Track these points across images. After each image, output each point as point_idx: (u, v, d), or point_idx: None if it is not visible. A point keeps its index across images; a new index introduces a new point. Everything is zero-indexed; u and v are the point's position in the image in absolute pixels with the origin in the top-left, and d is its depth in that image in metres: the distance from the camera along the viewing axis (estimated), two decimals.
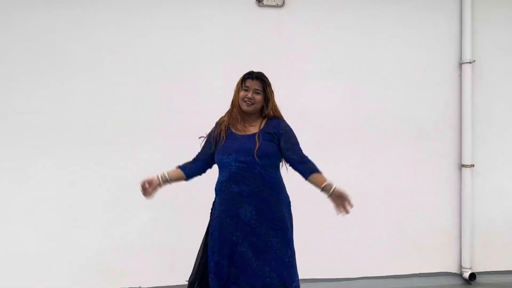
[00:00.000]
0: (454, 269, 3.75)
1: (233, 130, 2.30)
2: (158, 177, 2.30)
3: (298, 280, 2.28)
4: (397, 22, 3.64)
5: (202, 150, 2.38)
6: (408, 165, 3.67)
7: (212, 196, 2.39)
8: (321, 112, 3.57)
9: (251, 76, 2.30)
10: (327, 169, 3.27)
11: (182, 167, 2.36)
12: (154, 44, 3.40)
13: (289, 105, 3.33)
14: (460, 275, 3.74)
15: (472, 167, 3.69)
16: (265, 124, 2.29)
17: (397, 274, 3.65)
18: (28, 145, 3.29)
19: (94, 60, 3.35)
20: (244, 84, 2.30)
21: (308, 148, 3.31)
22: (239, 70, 3.27)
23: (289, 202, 2.37)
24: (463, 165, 3.70)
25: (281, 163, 2.34)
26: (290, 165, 2.31)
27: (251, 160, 2.20)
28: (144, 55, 3.38)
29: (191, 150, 2.43)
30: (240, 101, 2.29)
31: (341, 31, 3.59)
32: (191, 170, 2.36)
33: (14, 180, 3.30)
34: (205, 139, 2.38)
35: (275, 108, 2.33)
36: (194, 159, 2.37)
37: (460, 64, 3.70)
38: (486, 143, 3.74)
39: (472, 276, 3.68)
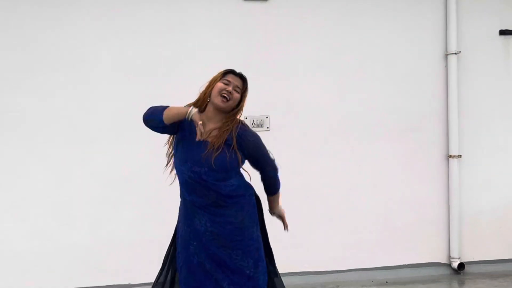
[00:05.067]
0: (443, 259, 3.77)
1: (195, 129, 2.00)
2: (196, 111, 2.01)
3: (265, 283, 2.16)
4: (383, 14, 3.65)
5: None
6: (396, 157, 3.68)
7: None
8: (308, 106, 3.58)
9: (234, 72, 2.14)
10: (316, 163, 3.53)
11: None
12: (138, 40, 3.39)
13: (275, 100, 3.50)
14: (449, 265, 3.76)
15: (459, 158, 3.70)
16: (228, 131, 2.07)
17: (386, 265, 3.67)
18: (13, 144, 3.28)
19: (78, 57, 3.33)
20: (225, 77, 2.11)
21: (295, 142, 3.52)
22: (224, 66, 3.32)
23: (254, 203, 2.19)
24: (450, 156, 3.71)
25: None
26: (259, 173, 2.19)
27: (205, 172, 2.02)
28: (129, 52, 3.36)
29: None
30: (215, 95, 2.06)
31: (326, 24, 3.59)
32: None
33: (0, 178, 3.28)
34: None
35: (239, 111, 2.14)
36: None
37: (446, 55, 3.71)
38: (473, 134, 3.75)
39: (461, 266, 3.70)
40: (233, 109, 2.10)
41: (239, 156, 2.05)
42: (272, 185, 2.20)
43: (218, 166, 2.01)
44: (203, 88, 2.14)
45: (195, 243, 2.07)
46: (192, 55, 3.42)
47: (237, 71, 2.17)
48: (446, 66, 3.71)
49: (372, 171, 3.66)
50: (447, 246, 3.76)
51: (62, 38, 3.32)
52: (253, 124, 3.48)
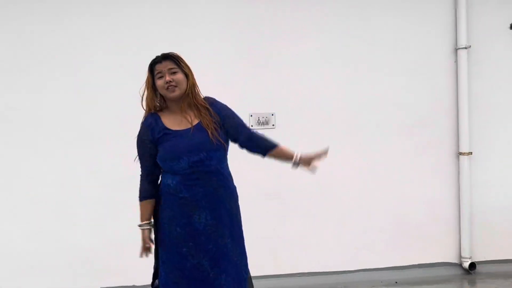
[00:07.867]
0: (454, 259, 3.69)
1: (170, 127, 1.98)
2: (147, 230, 2.04)
3: (247, 273, 2.12)
4: (391, 7, 3.56)
5: (144, 163, 2.05)
6: (405, 154, 3.60)
7: None
8: (315, 102, 3.49)
9: (157, 59, 2.00)
10: (324, 161, 3.15)
11: (148, 197, 2.04)
12: (140, 34, 3.31)
13: (281, 96, 3.43)
14: (460, 265, 3.69)
15: (470, 155, 3.63)
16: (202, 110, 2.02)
17: (396, 265, 3.60)
18: (13, 142, 3.23)
19: (77, 53, 3.27)
20: (155, 72, 1.98)
21: (301, 139, 3.35)
22: (229, 57, 3.35)
23: (237, 192, 2.14)
24: (460, 153, 3.63)
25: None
26: (242, 147, 2.08)
27: (206, 156, 1.95)
28: (130, 46, 3.29)
29: None
30: (163, 93, 1.98)
31: (334, 17, 3.51)
32: (154, 192, 2.05)
33: (0, 178, 3.23)
34: (141, 149, 2.06)
35: (194, 86, 2.03)
36: (147, 179, 2.05)
37: (456, 50, 3.62)
38: (484, 130, 3.66)
39: (472, 265, 3.62)
40: (187, 88, 2.00)
41: (220, 124, 2.01)
42: (263, 138, 2.07)
43: (216, 142, 1.98)
44: (144, 96, 2.05)
45: (190, 243, 1.96)
46: (195, 49, 3.32)
47: (159, 54, 2.03)
48: (456, 60, 3.62)
49: (381, 168, 3.58)
50: (458, 246, 3.68)
51: (57, 35, 3.26)
52: (258, 122, 3.41)
